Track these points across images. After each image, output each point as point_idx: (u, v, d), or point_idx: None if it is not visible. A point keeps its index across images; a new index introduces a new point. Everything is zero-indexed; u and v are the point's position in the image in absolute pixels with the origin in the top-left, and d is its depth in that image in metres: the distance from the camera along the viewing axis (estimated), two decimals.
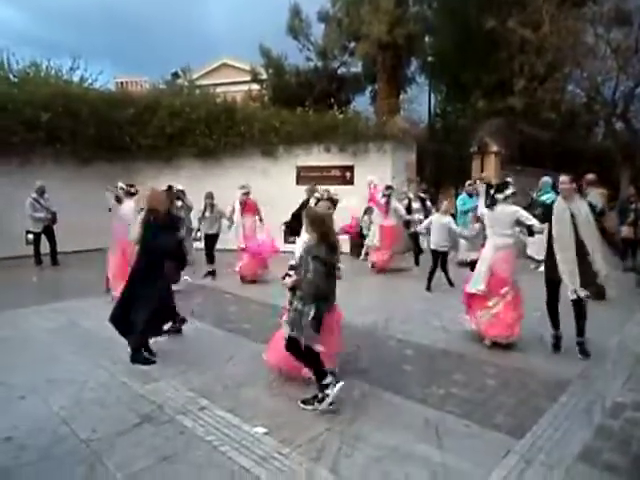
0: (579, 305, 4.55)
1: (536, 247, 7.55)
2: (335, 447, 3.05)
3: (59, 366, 4.40)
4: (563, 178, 4.65)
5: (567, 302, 4.61)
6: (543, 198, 8.71)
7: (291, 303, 3.56)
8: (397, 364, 4.30)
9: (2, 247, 9.88)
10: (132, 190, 6.89)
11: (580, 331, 4.63)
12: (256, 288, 7.82)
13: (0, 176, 10.17)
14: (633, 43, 14.45)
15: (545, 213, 4.75)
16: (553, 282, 4.70)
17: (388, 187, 8.95)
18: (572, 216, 4.51)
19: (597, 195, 7.18)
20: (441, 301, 6.77)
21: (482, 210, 5.20)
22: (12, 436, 3.18)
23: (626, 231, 9.06)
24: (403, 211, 8.99)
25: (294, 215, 7.10)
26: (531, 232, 4.94)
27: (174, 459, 2.94)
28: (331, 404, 3.46)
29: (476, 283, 4.89)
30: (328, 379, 3.48)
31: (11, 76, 11.61)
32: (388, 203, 8.83)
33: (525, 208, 5.13)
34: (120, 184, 6.94)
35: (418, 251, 9.62)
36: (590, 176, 7.36)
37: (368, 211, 9.51)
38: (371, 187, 9.05)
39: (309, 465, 2.86)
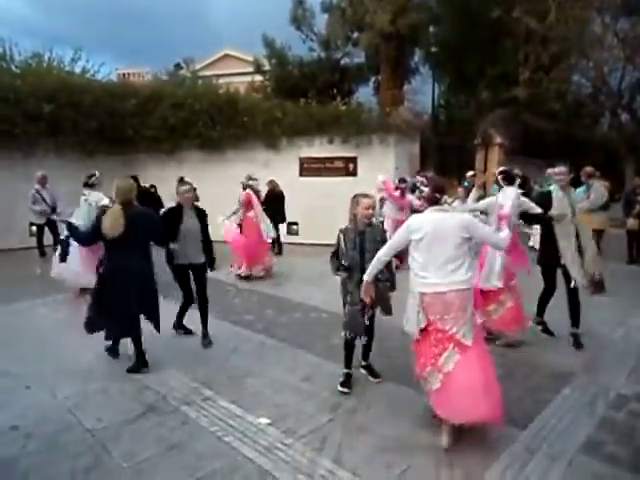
0: (576, 294, 4.57)
1: (538, 238, 7.54)
2: (338, 437, 3.06)
3: (64, 356, 4.43)
4: (561, 169, 4.70)
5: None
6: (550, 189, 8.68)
7: None
8: (400, 355, 4.29)
9: (7, 239, 9.93)
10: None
11: (576, 321, 4.63)
12: (258, 279, 7.82)
13: (3, 169, 10.18)
14: None
15: (539, 202, 4.72)
16: (551, 269, 4.72)
17: (402, 180, 8.80)
18: (570, 206, 4.57)
19: (601, 187, 7.12)
20: None
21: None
22: (18, 425, 3.21)
23: (631, 223, 9.01)
24: (417, 202, 8.77)
25: None
26: (531, 222, 4.90)
27: (178, 449, 2.96)
28: None
29: (491, 279, 4.63)
30: None
31: (13, 67, 11.56)
32: (403, 196, 8.66)
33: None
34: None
35: None
36: (589, 168, 7.30)
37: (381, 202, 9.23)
38: (384, 186, 8.72)
39: (312, 455, 2.88)
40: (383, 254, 3.30)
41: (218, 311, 5.95)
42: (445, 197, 3.26)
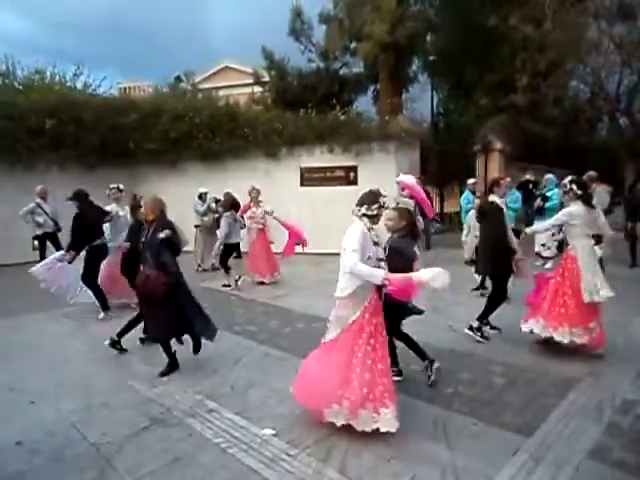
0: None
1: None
2: (343, 448, 3.05)
3: (68, 370, 4.43)
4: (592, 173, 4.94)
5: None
6: (548, 195, 8.74)
7: None
8: (403, 364, 4.29)
9: (11, 253, 9.98)
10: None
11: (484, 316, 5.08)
12: (260, 290, 7.84)
13: (6, 183, 10.28)
14: (637, 37, 14.37)
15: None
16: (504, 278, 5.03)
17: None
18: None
19: (604, 192, 7.15)
20: (449, 299, 6.72)
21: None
22: (23, 440, 3.21)
23: None
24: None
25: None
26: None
27: (183, 462, 2.95)
28: None
29: (601, 290, 4.44)
30: None
31: (16, 84, 11.72)
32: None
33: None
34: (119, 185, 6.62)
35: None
36: (591, 173, 7.36)
37: None
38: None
39: (317, 466, 2.86)
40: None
41: (221, 322, 5.96)
42: (358, 209, 3.33)
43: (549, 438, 3.11)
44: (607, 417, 3.36)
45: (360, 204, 3.35)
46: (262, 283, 8.12)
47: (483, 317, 5.04)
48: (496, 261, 4.95)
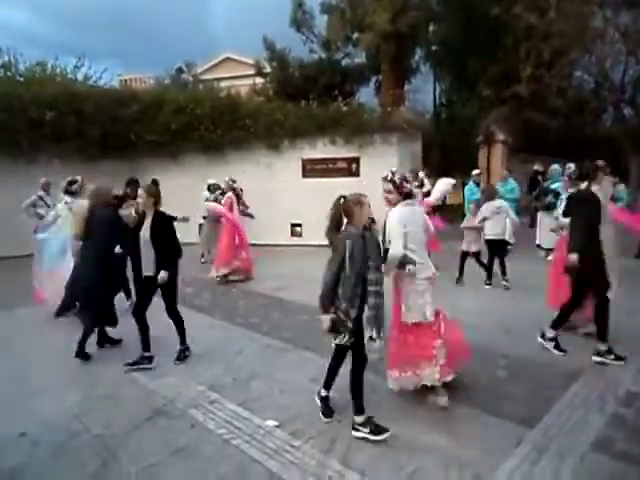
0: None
1: (549, 236, 7.48)
2: (347, 439, 3.05)
3: (70, 363, 4.43)
4: (601, 162, 4.78)
5: None
6: (553, 186, 8.61)
7: None
8: None
9: (12, 246, 9.97)
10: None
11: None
12: (262, 282, 7.83)
13: (8, 175, 10.26)
14: None
15: (568, 203, 4.70)
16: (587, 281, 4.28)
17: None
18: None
19: (609, 183, 7.06)
20: (457, 292, 6.70)
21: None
22: (26, 432, 3.21)
23: None
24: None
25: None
26: None
27: (186, 453, 2.96)
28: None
29: None
30: None
31: (18, 76, 11.66)
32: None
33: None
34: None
35: None
36: (599, 162, 7.24)
37: None
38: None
39: (321, 457, 2.87)
40: (402, 247, 3.37)
41: (223, 314, 5.97)
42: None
43: (552, 429, 3.10)
44: (610, 409, 3.35)
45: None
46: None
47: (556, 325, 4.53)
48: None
